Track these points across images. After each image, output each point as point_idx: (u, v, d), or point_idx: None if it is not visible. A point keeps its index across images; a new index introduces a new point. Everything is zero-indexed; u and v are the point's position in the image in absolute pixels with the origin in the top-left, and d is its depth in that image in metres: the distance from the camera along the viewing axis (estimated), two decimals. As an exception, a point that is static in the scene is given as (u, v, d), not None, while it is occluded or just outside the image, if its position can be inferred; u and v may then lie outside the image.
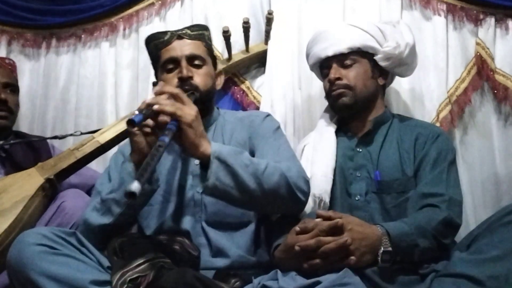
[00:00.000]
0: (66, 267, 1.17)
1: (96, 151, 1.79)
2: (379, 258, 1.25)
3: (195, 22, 2.11)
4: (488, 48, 1.91)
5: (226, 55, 2.08)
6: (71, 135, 1.93)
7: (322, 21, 2.02)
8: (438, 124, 1.87)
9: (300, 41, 2.05)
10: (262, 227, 1.52)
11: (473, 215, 1.87)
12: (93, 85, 2.26)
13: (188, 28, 1.57)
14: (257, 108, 2.06)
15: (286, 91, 2.03)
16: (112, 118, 2.19)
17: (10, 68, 2.04)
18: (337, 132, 1.67)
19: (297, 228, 1.28)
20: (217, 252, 1.41)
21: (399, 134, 1.59)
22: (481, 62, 1.92)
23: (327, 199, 1.53)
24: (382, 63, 1.63)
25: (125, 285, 1.14)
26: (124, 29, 2.28)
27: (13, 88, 2.01)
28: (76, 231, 1.31)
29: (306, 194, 1.40)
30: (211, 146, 1.25)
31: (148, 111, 1.21)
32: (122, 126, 1.80)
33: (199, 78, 1.50)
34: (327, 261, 1.21)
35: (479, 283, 1.16)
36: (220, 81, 1.66)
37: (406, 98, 1.96)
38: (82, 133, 1.88)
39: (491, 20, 1.93)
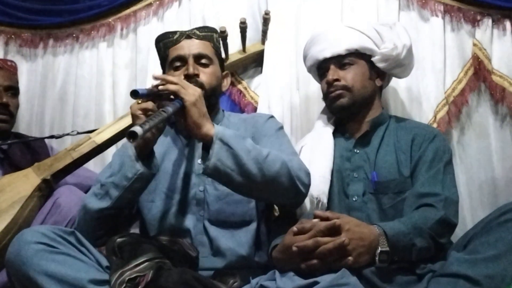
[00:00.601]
0: (65, 266, 1.18)
1: (93, 151, 1.79)
2: (377, 258, 1.25)
3: (192, 23, 2.13)
4: (485, 49, 1.92)
5: (223, 55, 2.08)
6: (67, 134, 1.93)
7: (319, 22, 2.03)
8: (435, 125, 1.87)
9: (297, 41, 2.05)
10: (263, 226, 1.53)
11: (470, 215, 1.88)
12: (91, 86, 2.26)
13: (197, 29, 1.60)
14: (255, 109, 2.06)
15: (284, 92, 2.04)
16: (109, 118, 2.18)
17: (12, 70, 2.03)
18: (335, 133, 1.68)
19: (294, 228, 1.28)
20: (217, 250, 1.42)
21: (396, 135, 1.60)
22: (478, 63, 1.93)
23: (325, 200, 1.53)
24: (380, 64, 1.64)
25: (124, 285, 1.14)
26: (122, 30, 2.28)
27: (15, 91, 2.01)
28: (74, 228, 1.32)
29: (307, 186, 1.40)
30: (214, 127, 1.27)
31: (153, 88, 1.27)
32: (119, 126, 1.81)
33: (205, 76, 1.52)
34: (325, 261, 1.22)
35: (476, 283, 1.16)
36: (226, 83, 1.67)
37: (403, 99, 1.97)
38: (78, 133, 1.88)
39: (488, 21, 1.94)
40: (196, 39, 1.56)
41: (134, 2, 2.26)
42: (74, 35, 2.32)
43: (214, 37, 1.62)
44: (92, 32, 2.29)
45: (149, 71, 2.13)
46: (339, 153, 1.62)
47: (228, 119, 1.64)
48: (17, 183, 1.69)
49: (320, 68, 1.70)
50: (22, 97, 2.24)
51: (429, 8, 1.99)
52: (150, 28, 2.22)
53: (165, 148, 1.56)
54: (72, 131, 1.92)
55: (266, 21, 2.03)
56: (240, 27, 1.98)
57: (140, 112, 1.28)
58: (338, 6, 2.06)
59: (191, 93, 1.26)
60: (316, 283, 1.12)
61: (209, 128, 1.27)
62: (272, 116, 1.66)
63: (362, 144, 1.62)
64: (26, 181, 1.69)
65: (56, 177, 1.74)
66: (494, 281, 1.16)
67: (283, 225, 1.41)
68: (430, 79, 1.95)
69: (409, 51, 1.67)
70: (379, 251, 1.25)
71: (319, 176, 1.55)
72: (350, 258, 1.22)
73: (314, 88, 1.98)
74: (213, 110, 1.55)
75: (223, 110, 1.67)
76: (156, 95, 1.30)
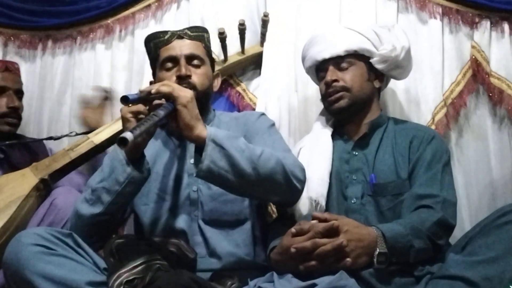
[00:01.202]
0: (63, 268, 1.18)
1: (91, 152, 1.79)
2: (375, 260, 1.25)
3: (191, 25, 2.12)
4: (483, 51, 1.92)
5: (222, 57, 2.08)
6: (66, 135, 1.94)
7: (318, 23, 2.03)
8: (433, 127, 1.87)
9: (296, 43, 2.05)
10: (258, 224, 1.53)
11: (468, 217, 1.88)
12: (89, 87, 2.25)
13: (188, 29, 1.59)
14: (254, 110, 2.06)
15: (282, 93, 2.04)
16: (107, 119, 2.18)
17: (18, 73, 2.03)
18: (333, 135, 1.68)
19: (292, 230, 1.28)
20: (214, 251, 1.42)
21: (394, 137, 1.60)
22: (476, 65, 1.93)
23: (323, 202, 1.53)
24: (378, 66, 1.64)
25: (121, 287, 1.14)
26: (120, 31, 2.28)
27: (22, 94, 2.01)
28: (70, 229, 1.31)
29: (302, 182, 1.40)
30: (206, 129, 1.26)
31: (144, 93, 1.25)
32: (117, 127, 1.81)
33: (197, 77, 1.51)
34: (323, 263, 1.22)
35: (474, 285, 1.16)
36: (217, 83, 1.67)
37: (402, 101, 1.97)
38: (77, 134, 1.88)
39: (486, 23, 1.94)
40: (188, 39, 1.55)
41: (132, 4, 2.27)
42: (72, 36, 2.32)
43: (205, 37, 1.61)
44: (91, 34, 2.30)
45: (146, 74, 2.13)
46: (338, 155, 1.62)
47: (219, 118, 1.63)
48: (15, 182, 1.69)
49: (318, 69, 1.70)
50: (21, 98, 2.25)
51: (427, 10, 2.00)
52: (148, 31, 2.20)
53: (156, 150, 1.55)
54: (70, 132, 1.92)
55: (265, 23, 2.03)
56: (239, 29, 1.98)
57: (130, 115, 1.25)
58: (336, 8, 2.07)
59: (183, 95, 1.24)
60: (315, 285, 1.11)
61: (202, 129, 1.25)
62: (263, 113, 1.66)
63: (361, 146, 1.62)
64: (23, 180, 1.69)
65: (53, 177, 1.74)
66: (492, 283, 1.15)
67: (281, 227, 1.40)
68: (428, 81, 1.95)
69: (408, 52, 1.67)
70: (377, 252, 1.25)
71: (317, 178, 1.55)
72: (348, 259, 1.22)
73: (313, 89, 1.98)
74: (204, 111, 1.54)
75: (214, 110, 1.67)
76: (146, 100, 1.27)
